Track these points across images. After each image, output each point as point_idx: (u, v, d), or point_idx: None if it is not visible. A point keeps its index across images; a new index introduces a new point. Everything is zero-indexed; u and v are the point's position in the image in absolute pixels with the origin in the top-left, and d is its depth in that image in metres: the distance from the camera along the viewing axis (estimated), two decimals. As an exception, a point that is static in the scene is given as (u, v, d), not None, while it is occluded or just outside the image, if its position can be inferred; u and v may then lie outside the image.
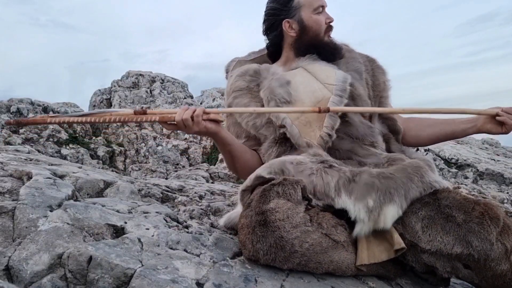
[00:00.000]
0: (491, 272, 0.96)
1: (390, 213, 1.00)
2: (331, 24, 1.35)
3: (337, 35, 1.44)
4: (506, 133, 1.19)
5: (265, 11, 1.40)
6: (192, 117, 1.08)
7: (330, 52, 1.34)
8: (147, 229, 1.02)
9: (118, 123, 1.19)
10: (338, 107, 1.19)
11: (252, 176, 1.12)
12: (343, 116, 1.24)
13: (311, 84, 1.28)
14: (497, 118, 1.18)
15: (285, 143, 1.24)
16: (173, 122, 1.12)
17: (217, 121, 1.14)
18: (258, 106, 1.28)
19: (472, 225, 0.97)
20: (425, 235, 1.00)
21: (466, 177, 3.22)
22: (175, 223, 1.15)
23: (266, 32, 1.41)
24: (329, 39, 1.35)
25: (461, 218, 0.98)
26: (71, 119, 1.14)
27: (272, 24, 1.37)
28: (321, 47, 1.34)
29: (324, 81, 1.28)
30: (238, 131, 1.36)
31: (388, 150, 1.31)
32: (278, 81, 1.27)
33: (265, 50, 1.47)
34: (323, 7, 1.34)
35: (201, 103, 5.08)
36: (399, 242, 0.99)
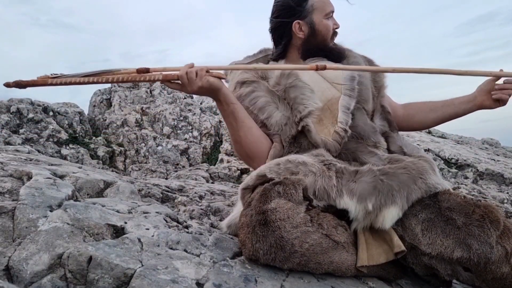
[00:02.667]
0: (492, 275, 0.96)
1: (390, 215, 1.01)
2: (336, 30, 1.35)
3: (338, 34, 1.44)
4: (503, 105, 1.28)
5: (276, 7, 1.34)
6: (196, 72, 1.09)
7: (337, 56, 1.34)
8: (147, 229, 1.02)
9: (122, 83, 1.17)
10: (334, 65, 1.24)
11: (253, 175, 1.11)
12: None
13: (320, 83, 1.27)
14: (493, 96, 1.27)
15: (294, 144, 1.23)
16: (176, 81, 1.12)
17: (219, 78, 1.14)
18: (266, 95, 1.26)
19: (472, 228, 0.96)
20: (425, 238, 1.00)
21: (466, 177, 3.21)
22: (175, 223, 1.15)
23: (274, 29, 1.36)
24: (334, 45, 1.36)
25: (461, 221, 0.98)
26: (73, 79, 1.12)
27: (282, 23, 1.33)
28: (327, 51, 1.33)
29: (332, 81, 1.28)
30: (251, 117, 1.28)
31: (388, 148, 1.31)
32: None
33: (260, 54, 1.45)
34: (332, 12, 1.34)
35: (201, 103, 5.08)
36: (399, 244, 0.99)
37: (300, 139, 1.22)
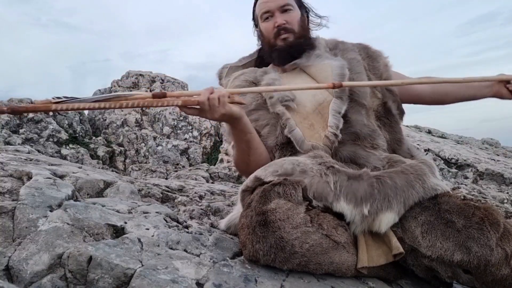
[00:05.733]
0: (491, 277, 0.95)
1: (386, 219, 1.00)
2: (279, 27, 1.29)
3: (338, 34, 1.44)
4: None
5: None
6: (218, 98, 1.02)
7: (284, 57, 1.32)
8: (147, 229, 1.02)
9: (138, 108, 1.07)
10: (350, 82, 1.23)
11: (251, 177, 1.11)
12: (344, 117, 1.23)
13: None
14: (510, 87, 1.30)
15: (287, 148, 1.22)
16: (194, 106, 1.04)
17: (241, 103, 1.09)
18: (259, 101, 1.27)
19: (472, 231, 0.96)
20: (424, 241, 0.99)
21: (466, 177, 3.21)
22: (175, 223, 1.15)
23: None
24: (283, 42, 1.31)
25: (461, 223, 0.98)
26: (82, 105, 1.00)
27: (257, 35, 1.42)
28: (274, 53, 1.33)
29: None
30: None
31: (394, 151, 1.30)
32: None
33: (255, 54, 1.48)
34: (268, 12, 1.32)
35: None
36: (397, 246, 0.99)
37: (292, 143, 1.21)
